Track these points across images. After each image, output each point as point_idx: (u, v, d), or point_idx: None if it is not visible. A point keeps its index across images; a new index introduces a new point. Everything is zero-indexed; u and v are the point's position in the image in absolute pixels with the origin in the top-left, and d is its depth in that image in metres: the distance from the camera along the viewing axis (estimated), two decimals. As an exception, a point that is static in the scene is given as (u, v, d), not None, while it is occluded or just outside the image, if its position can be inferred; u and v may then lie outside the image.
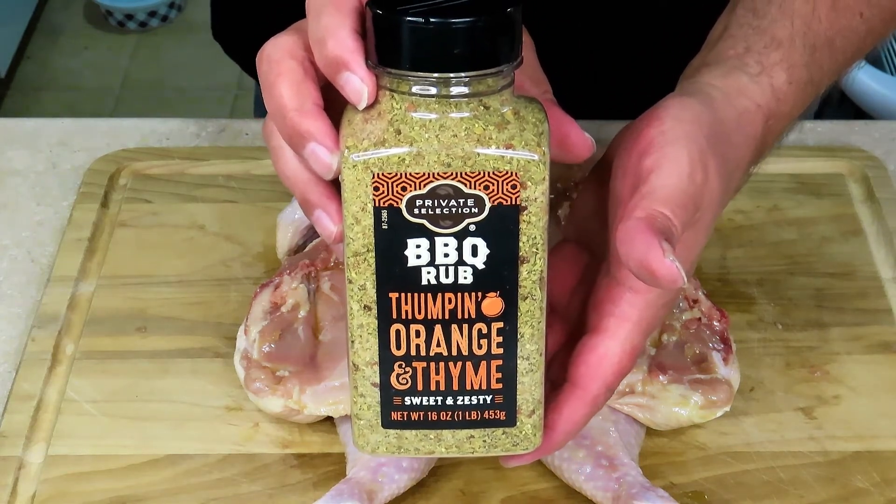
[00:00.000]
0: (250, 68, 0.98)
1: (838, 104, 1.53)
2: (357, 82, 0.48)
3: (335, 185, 0.50)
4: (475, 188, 0.47)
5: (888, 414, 0.68)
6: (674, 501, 0.60)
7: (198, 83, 2.43)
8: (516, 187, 0.47)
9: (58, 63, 2.55)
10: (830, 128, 0.88)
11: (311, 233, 0.74)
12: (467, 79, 0.47)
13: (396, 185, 0.47)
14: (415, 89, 0.47)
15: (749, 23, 0.59)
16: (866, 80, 1.44)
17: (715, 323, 0.67)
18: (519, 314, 0.50)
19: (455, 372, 0.51)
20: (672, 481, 0.64)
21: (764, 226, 0.80)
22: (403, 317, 0.50)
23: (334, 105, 0.50)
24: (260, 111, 1.05)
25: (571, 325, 0.57)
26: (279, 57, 0.50)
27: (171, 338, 0.72)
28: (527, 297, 0.50)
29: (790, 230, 0.79)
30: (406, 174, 0.47)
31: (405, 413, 0.52)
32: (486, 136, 0.47)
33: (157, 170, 0.83)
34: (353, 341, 0.51)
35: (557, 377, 0.55)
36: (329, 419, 0.66)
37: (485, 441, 0.53)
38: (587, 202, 0.58)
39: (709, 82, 0.56)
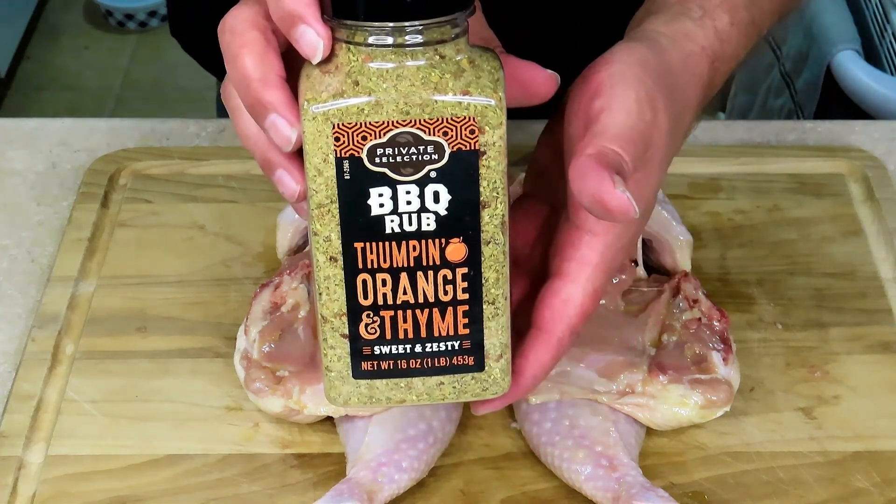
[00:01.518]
0: (208, 64, 0.98)
1: (838, 104, 1.53)
2: (312, 35, 0.48)
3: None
4: (434, 135, 0.48)
5: (888, 414, 0.68)
6: (674, 501, 0.60)
7: (198, 83, 2.43)
8: (474, 132, 0.48)
9: (58, 63, 2.55)
10: (830, 128, 0.88)
11: (311, 233, 0.74)
12: (421, 27, 0.48)
13: (357, 135, 0.48)
14: (370, 40, 0.48)
15: None
16: (866, 80, 1.44)
17: (715, 323, 0.67)
18: (482, 259, 0.51)
19: (422, 319, 0.52)
20: (672, 481, 0.64)
21: (764, 226, 0.80)
22: (369, 266, 0.51)
23: (294, 70, 0.51)
24: (222, 111, 1.05)
25: (534, 277, 0.58)
26: (242, 28, 0.51)
27: (171, 338, 0.72)
28: (489, 242, 0.51)
29: (790, 230, 0.79)
30: (366, 123, 0.48)
31: (375, 363, 0.53)
32: (443, 83, 0.48)
33: (157, 170, 0.83)
34: (320, 293, 0.52)
35: (522, 328, 0.56)
36: (329, 419, 0.66)
37: (454, 387, 0.54)
38: (544, 154, 0.59)
39: (654, 29, 0.57)
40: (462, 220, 0.50)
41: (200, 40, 0.96)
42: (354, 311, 0.52)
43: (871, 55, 1.51)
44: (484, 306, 0.52)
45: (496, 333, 0.53)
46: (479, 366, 0.53)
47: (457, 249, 0.51)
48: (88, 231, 0.78)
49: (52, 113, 2.35)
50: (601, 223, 0.53)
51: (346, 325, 0.52)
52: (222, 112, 1.03)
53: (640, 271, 0.71)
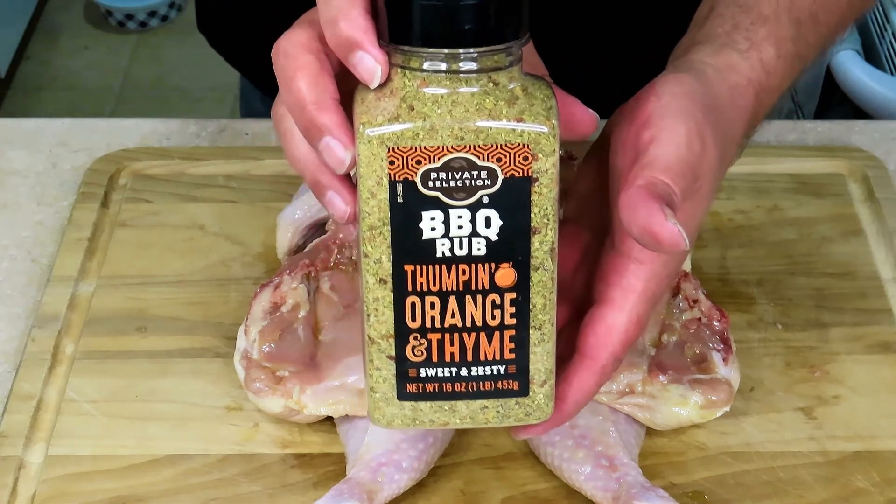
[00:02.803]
0: (234, 59, 0.98)
1: (838, 104, 1.53)
2: (370, 61, 0.49)
3: None
4: (488, 160, 0.49)
5: (888, 414, 0.68)
6: (674, 501, 0.60)
7: (198, 83, 2.43)
8: (528, 159, 0.49)
9: (58, 63, 2.55)
10: (830, 128, 0.88)
11: (311, 233, 0.74)
12: (476, 55, 0.48)
13: (411, 159, 0.49)
14: (426, 65, 0.48)
15: (735, 1, 0.60)
16: (866, 80, 1.44)
17: (715, 323, 0.67)
18: (531, 284, 0.51)
19: (469, 343, 0.52)
20: (672, 481, 0.64)
21: (764, 226, 0.80)
22: (419, 289, 0.51)
23: (346, 93, 0.51)
24: (245, 108, 1.05)
25: (575, 304, 0.58)
26: (296, 52, 0.51)
27: (171, 338, 0.72)
28: (539, 268, 0.51)
29: (790, 230, 0.79)
30: (420, 148, 0.48)
31: (420, 385, 0.53)
32: (497, 110, 0.48)
33: (157, 170, 0.83)
34: (368, 315, 0.52)
35: (564, 353, 0.56)
36: (329, 419, 0.66)
37: (498, 412, 0.54)
38: (586, 181, 0.59)
39: (701, 59, 0.58)
40: (513, 246, 0.50)
41: (228, 35, 0.96)
42: (402, 334, 0.52)
43: (871, 55, 1.52)
44: (531, 332, 0.52)
45: (542, 359, 0.53)
46: (524, 391, 0.54)
47: (506, 274, 0.51)
48: (88, 231, 0.78)
49: (52, 113, 2.35)
50: (647, 252, 0.53)
51: (394, 347, 0.52)
52: (248, 110, 1.03)
53: (640, 271, 0.71)
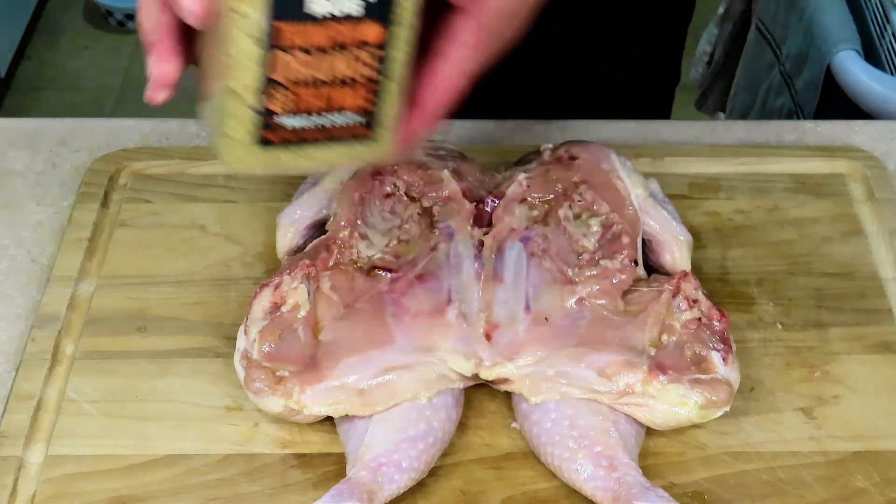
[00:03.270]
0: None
1: (838, 104, 1.53)
2: None
3: None
4: None
5: (888, 414, 0.68)
6: (674, 501, 0.60)
7: (198, 83, 2.43)
8: None
9: (58, 63, 2.55)
10: (830, 128, 0.88)
11: (311, 233, 0.74)
12: None
13: None
14: None
15: None
16: (866, 80, 1.44)
17: (715, 323, 0.67)
18: (396, 41, 0.54)
19: (333, 94, 0.54)
20: (672, 481, 0.64)
21: (764, 226, 0.80)
22: (288, 44, 0.52)
23: None
24: None
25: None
26: None
27: (171, 338, 0.72)
28: (405, 26, 0.53)
29: (790, 230, 0.79)
30: None
31: (279, 133, 0.55)
32: None
33: (157, 170, 0.83)
34: (231, 66, 0.52)
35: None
36: (329, 419, 0.66)
37: (349, 154, 0.57)
38: None
39: None
40: (384, 4, 0.52)
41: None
42: (267, 87, 0.53)
43: (871, 55, 1.51)
44: (390, 84, 0.55)
45: (393, 108, 0.56)
46: (375, 136, 0.56)
47: (375, 31, 0.53)
48: (88, 231, 0.78)
49: (52, 113, 2.35)
50: (478, 6, 0.56)
51: (257, 99, 0.53)
52: None
53: (640, 271, 0.71)
